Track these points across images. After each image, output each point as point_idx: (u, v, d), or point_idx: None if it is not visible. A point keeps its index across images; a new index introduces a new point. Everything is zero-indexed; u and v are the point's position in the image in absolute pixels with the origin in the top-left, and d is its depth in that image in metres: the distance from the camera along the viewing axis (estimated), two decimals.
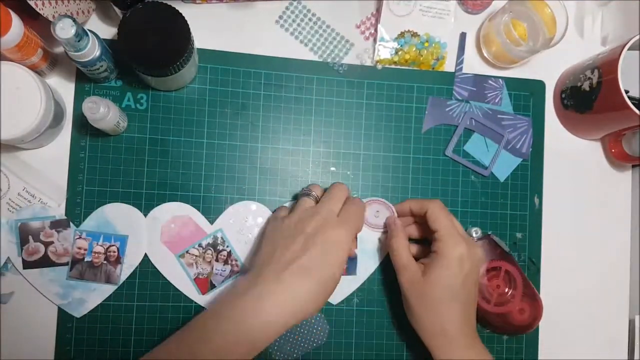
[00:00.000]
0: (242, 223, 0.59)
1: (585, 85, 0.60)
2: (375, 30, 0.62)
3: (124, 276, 0.56)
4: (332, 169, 0.61)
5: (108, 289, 0.56)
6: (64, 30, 0.44)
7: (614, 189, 0.68)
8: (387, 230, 0.59)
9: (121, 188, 0.57)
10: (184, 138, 0.58)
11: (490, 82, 0.65)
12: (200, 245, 0.57)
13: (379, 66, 0.62)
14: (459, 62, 0.64)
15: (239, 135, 0.60)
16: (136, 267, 0.56)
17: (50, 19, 0.47)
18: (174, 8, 0.49)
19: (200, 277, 0.57)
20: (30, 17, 0.48)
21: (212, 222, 0.58)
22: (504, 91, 0.65)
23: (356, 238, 0.59)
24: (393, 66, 0.63)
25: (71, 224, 0.56)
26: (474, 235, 0.61)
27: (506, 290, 0.60)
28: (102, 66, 0.52)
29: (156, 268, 0.57)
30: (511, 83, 0.65)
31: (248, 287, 0.46)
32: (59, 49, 0.56)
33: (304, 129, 0.61)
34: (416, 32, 0.63)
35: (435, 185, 0.63)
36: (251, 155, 0.60)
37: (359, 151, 0.62)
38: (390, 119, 0.63)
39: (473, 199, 0.63)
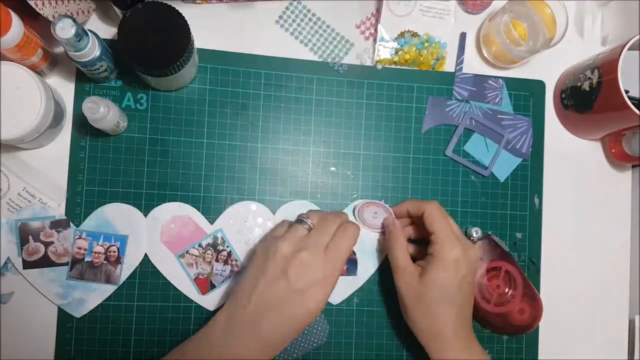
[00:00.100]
0: (242, 223, 0.59)
1: (585, 85, 0.60)
2: (375, 30, 0.62)
3: (124, 276, 0.56)
4: (332, 169, 0.61)
5: (108, 289, 0.56)
6: (64, 30, 0.44)
7: (614, 189, 0.68)
8: (385, 231, 0.59)
9: (121, 188, 0.57)
10: (184, 138, 0.58)
11: (490, 82, 0.65)
12: (200, 245, 0.57)
13: (379, 66, 0.62)
14: (459, 62, 0.64)
15: (239, 135, 0.60)
16: (136, 267, 0.56)
17: (50, 19, 0.47)
18: (174, 8, 0.49)
19: (200, 277, 0.57)
20: (30, 17, 0.48)
21: (212, 222, 0.58)
22: (504, 91, 0.65)
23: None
24: (393, 66, 0.63)
25: (71, 224, 0.56)
26: (475, 235, 0.61)
27: (506, 290, 0.60)
28: (102, 66, 0.52)
29: (156, 268, 0.57)
30: (511, 83, 0.65)
31: (224, 328, 0.47)
32: (59, 49, 0.56)
33: (304, 129, 0.61)
34: (416, 32, 0.63)
35: (435, 185, 0.63)
36: (251, 155, 0.60)
37: (359, 151, 0.62)
38: (390, 119, 0.63)
39: (473, 199, 0.63)
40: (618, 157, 0.65)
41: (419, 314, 0.53)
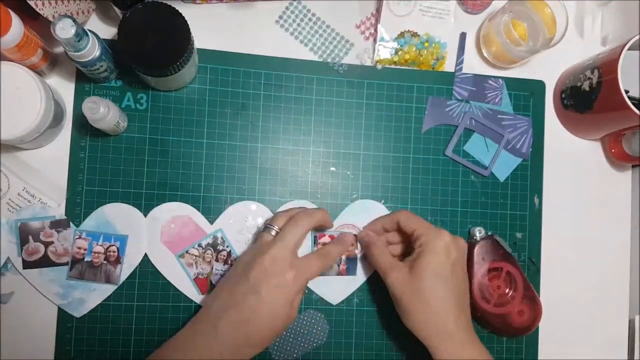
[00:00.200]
0: (242, 223, 0.59)
1: (585, 85, 0.60)
2: (375, 30, 0.62)
3: (123, 276, 0.56)
4: (332, 169, 0.61)
5: (108, 289, 0.56)
6: (64, 30, 0.44)
7: (614, 189, 0.68)
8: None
9: (121, 188, 0.57)
10: (184, 138, 0.58)
11: (490, 82, 0.65)
12: (200, 245, 0.57)
13: (379, 66, 0.62)
14: (459, 62, 0.64)
15: (239, 135, 0.60)
16: (136, 267, 0.56)
17: (50, 19, 0.47)
18: (174, 8, 0.49)
19: (200, 277, 0.57)
20: (30, 17, 0.48)
21: (212, 222, 0.58)
22: (504, 91, 0.65)
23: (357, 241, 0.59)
24: (393, 66, 0.63)
25: (71, 224, 0.56)
26: (478, 235, 0.61)
27: (507, 291, 0.60)
28: (102, 66, 0.52)
29: (156, 268, 0.57)
30: (511, 83, 0.65)
31: (190, 329, 0.49)
32: (59, 49, 0.56)
33: (304, 129, 0.61)
34: (416, 32, 0.63)
35: (435, 185, 0.63)
36: (251, 155, 0.60)
37: (359, 151, 0.62)
38: (390, 119, 0.63)
39: (473, 199, 0.63)
40: (618, 157, 0.65)
41: (416, 308, 0.51)
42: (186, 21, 0.50)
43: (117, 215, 0.56)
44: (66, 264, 0.55)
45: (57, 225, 0.55)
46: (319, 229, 0.59)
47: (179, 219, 0.57)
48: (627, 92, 0.56)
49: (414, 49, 0.62)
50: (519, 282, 0.60)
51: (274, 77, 0.60)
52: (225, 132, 0.59)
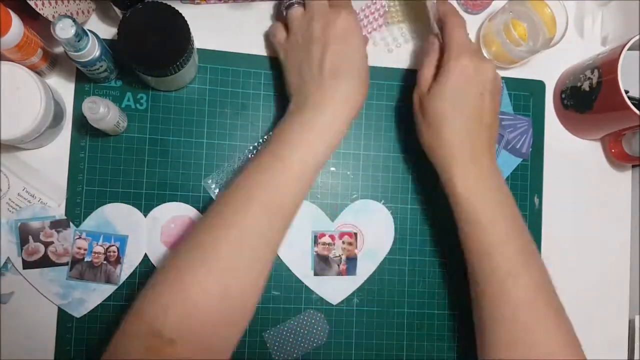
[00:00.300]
0: None
1: (585, 85, 0.60)
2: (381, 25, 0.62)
3: (124, 276, 0.56)
4: (332, 169, 0.61)
5: (108, 289, 0.56)
6: (64, 30, 0.44)
7: (614, 189, 0.68)
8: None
9: (121, 188, 0.57)
10: (184, 138, 0.58)
11: None
12: None
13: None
14: None
15: (239, 135, 0.60)
16: (136, 267, 0.56)
17: (50, 19, 0.47)
18: (174, 8, 0.49)
19: None
20: (30, 17, 0.48)
21: None
22: (504, 94, 0.65)
23: None
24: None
25: (71, 224, 0.56)
26: None
27: None
28: (102, 66, 0.52)
29: (156, 268, 0.57)
30: (511, 83, 0.65)
31: (301, 118, 0.49)
32: (59, 49, 0.56)
33: None
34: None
35: (436, 185, 0.63)
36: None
37: (359, 151, 0.62)
38: (390, 119, 0.63)
39: None
40: (618, 157, 0.65)
41: (425, 128, 0.52)
42: (186, 21, 0.50)
43: (117, 215, 0.56)
44: (66, 264, 0.55)
45: (57, 225, 0.55)
46: None
47: (179, 219, 0.57)
48: (627, 92, 0.56)
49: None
50: None
51: (274, 77, 0.60)
52: (225, 132, 0.59)
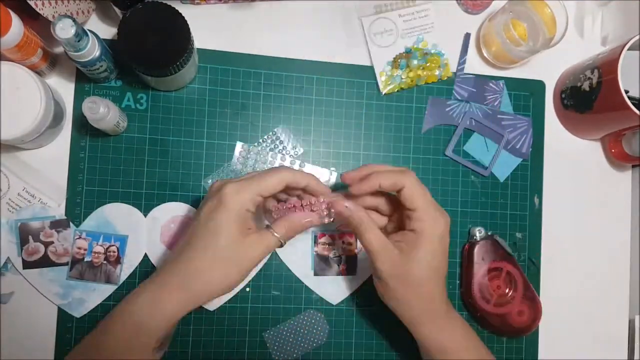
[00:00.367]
0: None
1: (585, 85, 0.60)
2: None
3: (123, 276, 0.56)
4: (332, 169, 0.61)
5: (108, 289, 0.56)
6: (64, 30, 0.44)
7: (614, 189, 0.68)
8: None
9: (121, 188, 0.57)
10: (184, 138, 0.58)
11: (490, 84, 0.64)
12: None
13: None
14: (461, 62, 0.64)
15: (239, 135, 0.60)
16: (136, 267, 0.56)
17: (50, 19, 0.47)
18: (174, 8, 0.49)
19: None
20: (30, 17, 0.48)
21: None
22: (504, 94, 0.65)
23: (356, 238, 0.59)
24: (400, 91, 0.63)
25: (71, 224, 0.56)
26: (478, 235, 0.61)
27: (506, 291, 0.60)
28: (102, 66, 0.52)
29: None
30: (511, 83, 0.65)
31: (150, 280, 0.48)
32: (59, 49, 0.56)
33: (304, 129, 0.61)
34: (409, 50, 0.62)
35: (435, 185, 0.63)
36: None
37: (359, 151, 0.62)
38: (390, 119, 0.63)
39: (473, 199, 0.63)
40: (618, 157, 0.65)
41: (406, 292, 0.50)
42: (186, 21, 0.50)
43: (117, 215, 0.56)
44: (66, 264, 0.55)
45: (57, 225, 0.55)
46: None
47: (178, 219, 0.57)
48: (627, 92, 0.56)
49: (412, 72, 0.62)
50: (519, 282, 0.60)
51: (274, 77, 0.60)
52: (225, 132, 0.59)
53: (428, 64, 0.62)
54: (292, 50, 0.61)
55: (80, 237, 0.55)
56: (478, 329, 0.62)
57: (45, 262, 0.55)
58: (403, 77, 0.62)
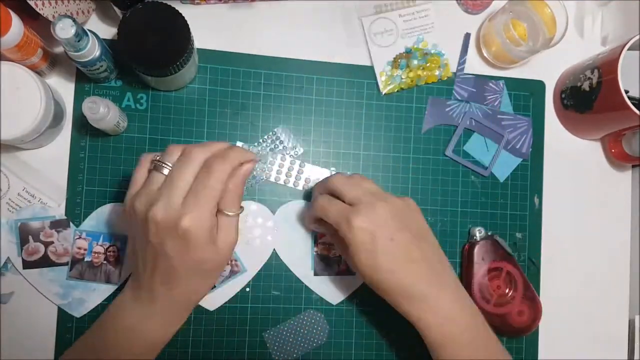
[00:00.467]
0: (242, 223, 0.58)
1: (585, 85, 0.60)
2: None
3: (124, 276, 0.56)
4: (332, 169, 0.61)
5: (108, 289, 0.56)
6: (64, 30, 0.44)
7: (614, 189, 0.68)
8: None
9: (121, 188, 0.57)
10: (184, 138, 0.58)
11: (490, 84, 0.64)
12: None
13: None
14: (461, 62, 0.64)
15: (239, 135, 0.60)
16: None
17: (50, 19, 0.47)
18: (174, 8, 0.49)
19: None
20: (30, 17, 0.48)
21: None
22: (504, 94, 0.65)
23: None
24: (400, 91, 0.63)
25: (71, 224, 0.56)
26: (478, 235, 0.61)
27: (507, 291, 0.60)
28: (102, 66, 0.52)
29: None
30: (511, 83, 0.65)
31: (130, 308, 0.48)
32: (59, 49, 0.56)
33: (304, 129, 0.61)
34: (409, 50, 0.62)
35: (435, 185, 0.63)
36: None
37: (359, 151, 0.62)
38: (390, 119, 0.63)
39: (473, 199, 0.63)
40: (618, 157, 0.65)
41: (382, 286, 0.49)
42: (186, 21, 0.50)
43: (117, 215, 0.56)
44: (66, 264, 0.55)
45: (57, 225, 0.55)
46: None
47: None
48: (627, 92, 0.56)
49: (412, 72, 0.62)
50: (519, 282, 0.60)
51: (274, 77, 0.60)
52: (225, 132, 0.59)
53: (428, 64, 0.63)
54: (292, 50, 0.61)
55: (80, 237, 0.55)
56: None
57: (45, 262, 0.55)
58: (403, 77, 0.62)
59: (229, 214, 0.46)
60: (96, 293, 0.56)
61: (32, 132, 0.49)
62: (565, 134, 0.67)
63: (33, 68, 0.51)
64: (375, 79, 0.62)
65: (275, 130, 0.60)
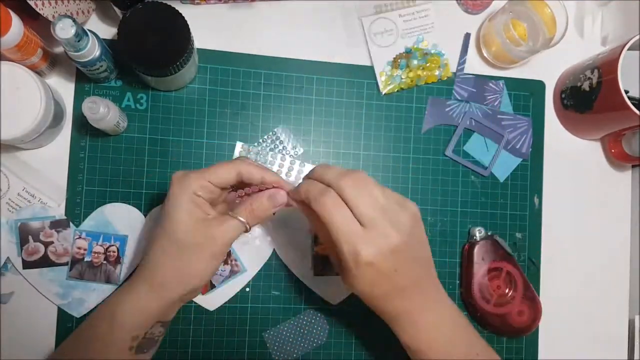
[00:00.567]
0: None
1: (585, 85, 0.60)
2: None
3: (123, 276, 0.56)
4: None
5: (108, 289, 0.56)
6: (64, 30, 0.44)
7: (614, 189, 0.68)
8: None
9: (121, 188, 0.57)
10: (184, 138, 0.58)
11: (490, 84, 0.64)
12: None
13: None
14: (461, 62, 0.64)
15: (239, 135, 0.60)
16: (136, 267, 0.56)
17: (50, 19, 0.47)
18: (174, 8, 0.49)
19: None
20: (30, 17, 0.48)
21: None
22: (504, 94, 0.65)
23: None
24: (400, 91, 0.63)
25: (71, 224, 0.56)
26: (478, 235, 0.61)
27: (506, 291, 0.60)
28: (102, 66, 0.52)
29: None
30: (511, 83, 0.65)
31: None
32: (59, 49, 0.56)
33: (304, 129, 0.61)
34: (409, 50, 0.62)
35: (435, 185, 0.63)
36: None
37: (359, 151, 0.62)
38: (390, 119, 0.63)
39: (473, 199, 0.63)
40: (618, 157, 0.65)
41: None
42: (186, 21, 0.50)
43: (117, 215, 0.56)
44: (66, 264, 0.55)
45: (57, 225, 0.55)
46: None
47: None
48: (627, 92, 0.56)
49: (412, 72, 0.62)
50: (519, 282, 0.60)
51: (274, 77, 0.60)
52: (225, 132, 0.59)
53: (428, 64, 0.63)
54: (292, 50, 0.61)
55: (80, 237, 0.55)
56: (478, 329, 0.62)
57: (45, 262, 0.55)
58: (403, 77, 0.62)
59: (237, 217, 0.46)
60: (96, 293, 0.56)
61: (32, 132, 0.49)
62: (565, 134, 0.67)
63: (33, 68, 0.51)
64: (375, 79, 0.62)
65: (275, 130, 0.60)
